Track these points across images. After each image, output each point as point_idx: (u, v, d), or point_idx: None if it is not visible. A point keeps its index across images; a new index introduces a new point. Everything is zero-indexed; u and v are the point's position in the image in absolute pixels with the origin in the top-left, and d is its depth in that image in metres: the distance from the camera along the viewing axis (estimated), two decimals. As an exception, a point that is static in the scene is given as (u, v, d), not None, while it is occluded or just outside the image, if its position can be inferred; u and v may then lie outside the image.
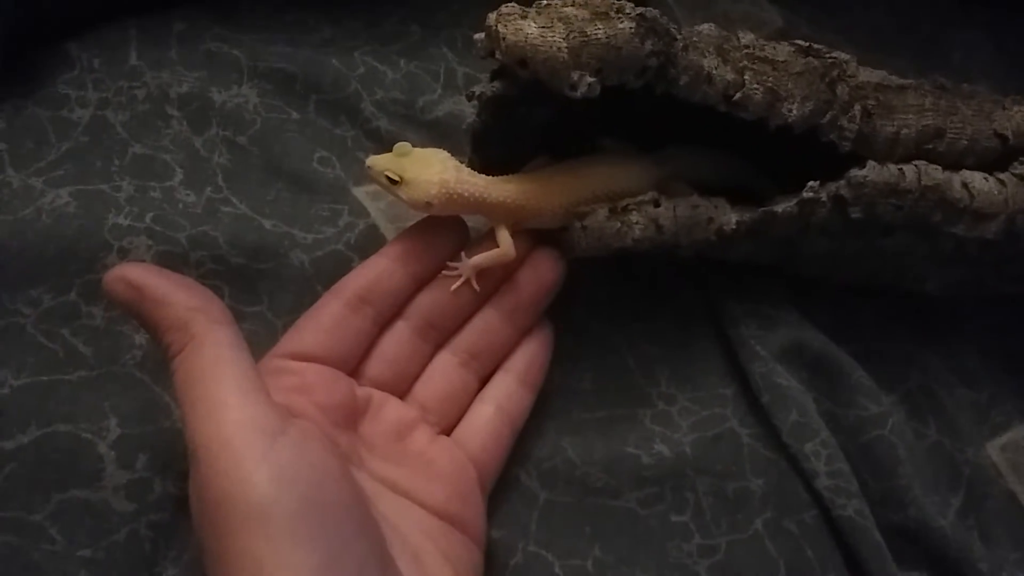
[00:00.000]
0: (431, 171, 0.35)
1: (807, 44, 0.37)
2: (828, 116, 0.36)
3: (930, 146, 0.36)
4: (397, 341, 0.35)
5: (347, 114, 0.45)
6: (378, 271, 0.35)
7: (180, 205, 0.42)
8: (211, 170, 0.43)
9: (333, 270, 0.40)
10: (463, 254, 0.36)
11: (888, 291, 0.41)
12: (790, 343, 0.39)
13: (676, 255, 0.38)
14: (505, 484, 0.36)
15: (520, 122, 0.38)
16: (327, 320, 0.34)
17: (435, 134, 0.45)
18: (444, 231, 0.36)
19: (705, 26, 0.37)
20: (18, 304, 0.38)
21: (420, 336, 0.35)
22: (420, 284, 0.36)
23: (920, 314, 0.41)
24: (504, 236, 0.36)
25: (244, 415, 0.27)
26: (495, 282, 0.36)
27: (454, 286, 0.36)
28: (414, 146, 0.36)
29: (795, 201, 0.35)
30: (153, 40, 0.46)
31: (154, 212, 0.41)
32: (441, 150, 0.36)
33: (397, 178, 0.35)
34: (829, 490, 0.36)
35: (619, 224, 0.35)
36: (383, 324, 0.35)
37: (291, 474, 0.26)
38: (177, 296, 0.29)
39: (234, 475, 0.26)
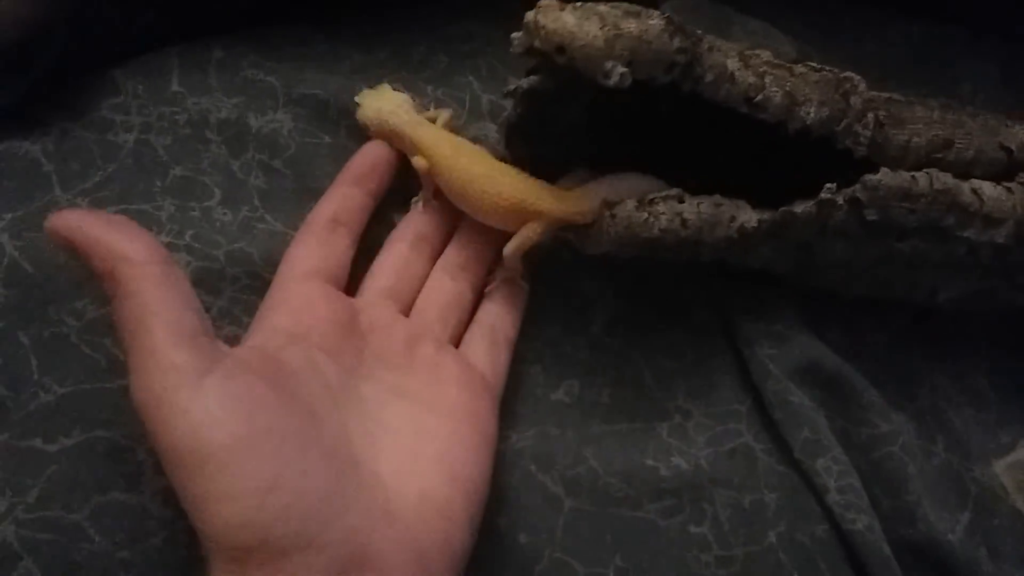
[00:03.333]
0: (379, 102, 0.43)
1: (817, 64, 0.39)
2: (843, 123, 0.37)
3: (939, 155, 0.38)
4: (394, 254, 0.39)
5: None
6: (339, 196, 0.40)
7: (218, 223, 0.44)
8: (247, 191, 0.45)
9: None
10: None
11: (900, 308, 0.43)
12: (803, 362, 0.40)
13: (696, 258, 0.39)
14: (531, 490, 0.38)
15: (552, 120, 0.40)
16: (313, 242, 0.38)
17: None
18: (382, 153, 0.41)
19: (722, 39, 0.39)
20: (63, 315, 0.40)
21: (414, 251, 0.39)
22: (376, 200, 0.41)
23: (930, 334, 0.43)
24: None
25: (168, 362, 0.28)
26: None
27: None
28: None
29: (814, 202, 0.37)
30: (194, 67, 0.49)
31: (193, 230, 0.43)
32: (405, 95, 0.44)
33: (358, 101, 0.43)
34: (839, 505, 0.38)
35: (646, 215, 0.37)
36: (357, 242, 0.39)
37: (218, 413, 0.27)
38: (101, 244, 0.29)
39: (167, 425, 0.27)
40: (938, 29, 0.54)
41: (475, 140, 0.43)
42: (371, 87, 0.48)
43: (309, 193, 0.45)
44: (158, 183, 0.45)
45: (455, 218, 0.41)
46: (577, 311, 0.42)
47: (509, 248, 0.38)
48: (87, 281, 0.40)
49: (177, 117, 0.47)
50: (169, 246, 0.43)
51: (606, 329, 0.42)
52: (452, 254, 0.40)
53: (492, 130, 0.48)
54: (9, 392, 0.37)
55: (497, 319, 0.39)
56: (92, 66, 0.48)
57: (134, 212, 0.43)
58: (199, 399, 0.27)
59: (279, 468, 0.27)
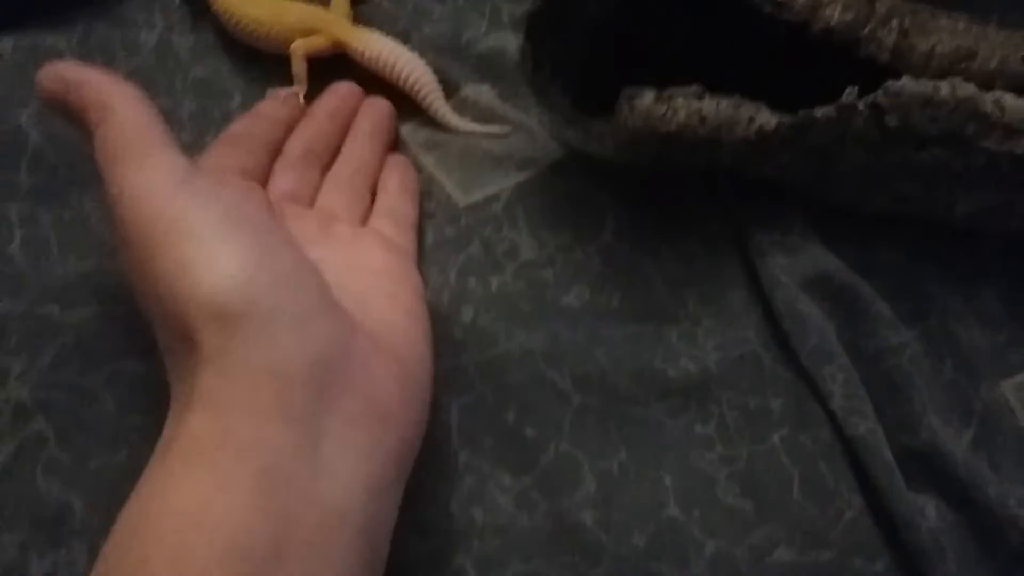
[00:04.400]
0: None
1: None
2: (867, 28, 0.37)
3: (962, 65, 0.38)
4: (288, 163, 0.41)
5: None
6: (233, 126, 0.42)
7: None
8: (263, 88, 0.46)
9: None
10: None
11: (916, 228, 0.42)
12: (814, 273, 0.40)
13: (713, 163, 0.39)
14: (540, 387, 0.38)
15: (575, 14, 0.40)
16: (215, 154, 0.39)
17: (479, 67, 0.47)
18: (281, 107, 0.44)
19: None
20: (84, 200, 0.41)
21: (305, 161, 0.41)
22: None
23: (945, 254, 0.42)
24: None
25: (163, 159, 0.28)
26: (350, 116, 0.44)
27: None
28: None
29: (834, 106, 0.37)
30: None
31: (215, 130, 0.44)
32: None
33: None
34: (843, 410, 0.38)
35: (665, 108, 0.37)
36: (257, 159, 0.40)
37: (213, 194, 0.28)
38: (95, 76, 0.30)
39: (156, 198, 0.27)
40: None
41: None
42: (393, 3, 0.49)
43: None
44: (179, 82, 0.46)
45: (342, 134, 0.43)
46: (589, 218, 0.42)
47: (295, 45, 0.44)
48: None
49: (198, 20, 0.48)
50: (189, 146, 0.43)
51: (617, 236, 0.42)
52: (343, 164, 0.42)
53: (511, 40, 0.47)
54: (29, 265, 0.38)
55: (396, 203, 0.41)
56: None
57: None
58: (195, 182, 0.28)
59: (270, 252, 0.28)
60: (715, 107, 0.38)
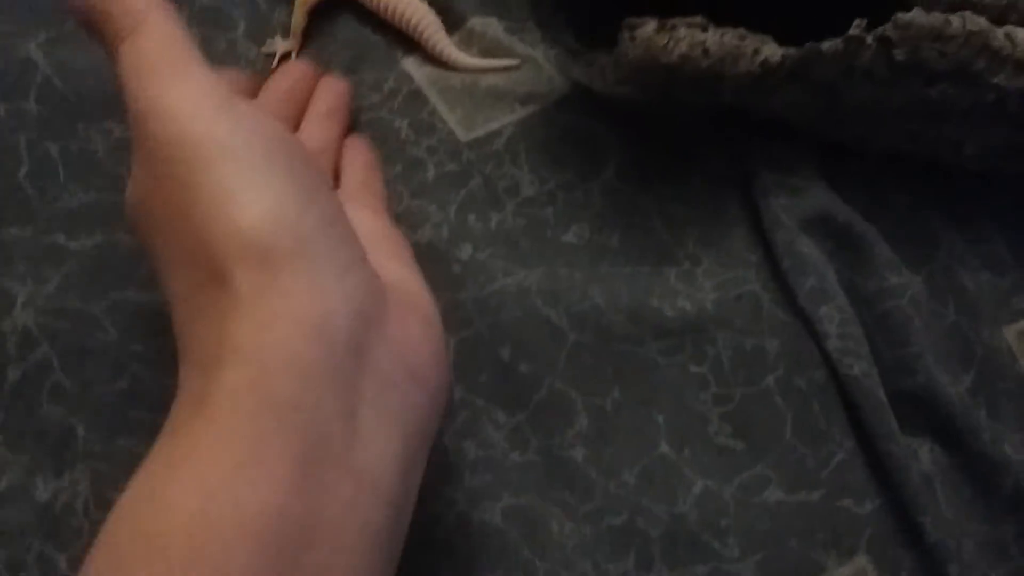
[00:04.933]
0: None
1: None
2: None
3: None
4: None
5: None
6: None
7: (242, 60, 0.44)
8: (271, 28, 0.45)
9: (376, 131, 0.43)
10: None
11: (923, 170, 0.42)
12: (817, 214, 0.40)
13: (717, 97, 0.38)
14: (536, 324, 0.38)
15: None
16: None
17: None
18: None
19: None
20: (92, 132, 0.41)
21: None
22: None
23: (952, 197, 0.42)
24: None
25: (202, 77, 0.26)
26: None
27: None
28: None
29: (841, 39, 0.36)
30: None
31: (217, 64, 0.44)
32: None
33: None
34: (838, 351, 0.38)
35: (667, 38, 0.36)
36: None
37: (258, 121, 0.26)
38: None
39: (197, 118, 0.25)
40: None
41: None
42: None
43: (332, 38, 0.45)
44: (185, 12, 0.46)
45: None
46: (590, 156, 0.42)
47: None
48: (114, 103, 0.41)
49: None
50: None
51: (619, 174, 0.42)
52: (315, 106, 0.42)
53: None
54: (35, 192, 0.38)
55: (365, 176, 0.40)
56: None
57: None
58: (235, 108, 0.26)
59: (317, 186, 0.26)
60: (719, 38, 0.37)
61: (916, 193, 0.42)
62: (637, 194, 0.42)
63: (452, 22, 0.45)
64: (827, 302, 0.38)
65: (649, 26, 0.36)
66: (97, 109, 0.42)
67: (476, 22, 0.46)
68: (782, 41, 0.38)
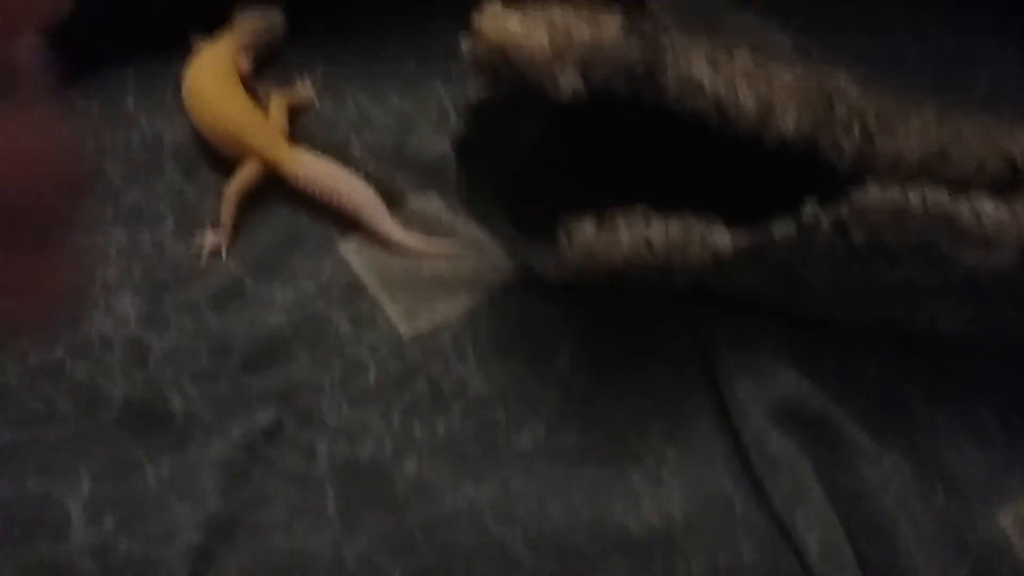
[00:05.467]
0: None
1: (798, 58, 0.36)
2: (826, 133, 0.34)
3: (934, 168, 0.34)
4: None
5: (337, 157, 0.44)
6: None
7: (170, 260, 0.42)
8: (200, 219, 0.43)
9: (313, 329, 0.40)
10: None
11: (898, 337, 0.39)
12: (785, 401, 0.37)
13: (668, 284, 0.36)
14: (489, 550, 0.35)
15: (506, 137, 0.37)
16: None
17: (426, 175, 0.44)
18: None
19: (695, 39, 0.36)
20: (5, 362, 0.39)
21: None
22: None
23: (931, 367, 0.39)
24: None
25: None
26: None
27: None
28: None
29: (794, 225, 0.34)
30: (150, 84, 0.47)
31: (142, 264, 0.41)
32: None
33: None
34: (821, 567, 0.35)
35: (608, 238, 0.34)
36: None
37: None
38: None
39: None
40: (954, 20, 0.49)
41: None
42: (334, 97, 0.46)
43: (263, 223, 0.43)
44: (110, 211, 0.43)
45: None
46: (541, 346, 0.40)
47: (227, 185, 0.42)
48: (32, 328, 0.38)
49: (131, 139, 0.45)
50: (117, 286, 0.41)
51: (573, 365, 0.39)
52: None
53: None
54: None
55: None
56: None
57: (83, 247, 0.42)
58: None
59: None
60: (663, 231, 0.34)
61: (890, 364, 0.39)
62: (594, 385, 0.39)
63: (391, 203, 0.43)
64: (805, 505, 0.35)
65: (587, 228, 0.34)
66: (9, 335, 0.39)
67: (416, 201, 0.44)
68: (729, 207, 0.35)
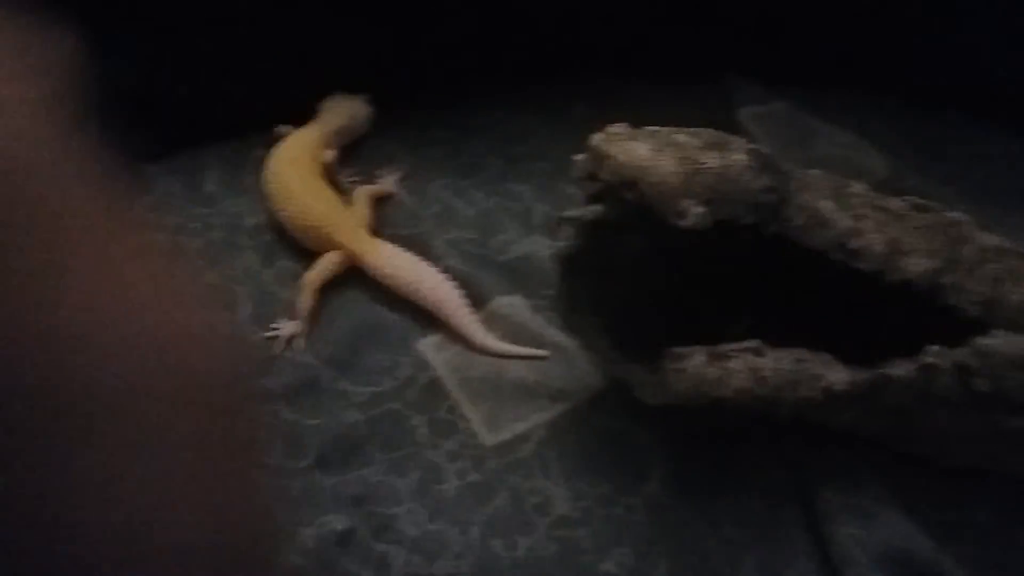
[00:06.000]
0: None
1: (921, 201, 0.35)
2: (952, 278, 0.32)
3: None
4: None
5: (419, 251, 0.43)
6: None
7: (244, 346, 0.40)
8: (278, 305, 0.42)
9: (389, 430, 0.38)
10: None
11: (1009, 479, 0.37)
12: (892, 547, 0.35)
13: (772, 417, 0.35)
14: None
15: (614, 253, 0.36)
16: None
17: (510, 276, 0.43)
18: None
19: (815, 171, 0.35)
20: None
21: None
22: None
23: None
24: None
25: None
26: None
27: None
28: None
29: (915, 365, 0.32)
30: (232, 167, 0.46)
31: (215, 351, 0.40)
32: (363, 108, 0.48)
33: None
34: None
35: (719, 371, 0.32)
36: None
37: None
38: None
39: None
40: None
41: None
42: (418, 191, 0.45)
43: (345, 313, 0.42)
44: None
45: None
46: (631, 465, 0.38)
47: (306, 275, 0.41)
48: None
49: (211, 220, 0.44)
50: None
51: (665, 486, 0.37)
52: None
53: (544, 244, 0.44)
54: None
55: None
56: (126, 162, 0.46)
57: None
58: None
59: None
60: (776, 364, 0.33)
61: (1005, 507, 0.37)
62: (685, 511, 0.37)
63: (474, 303, 0.42)
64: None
65: (698, 358, 0.32)
66: None
67: (500, 302, 0.42)
68: (841, 340, 0.34)
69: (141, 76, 0.45)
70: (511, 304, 0.42)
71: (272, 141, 0.46)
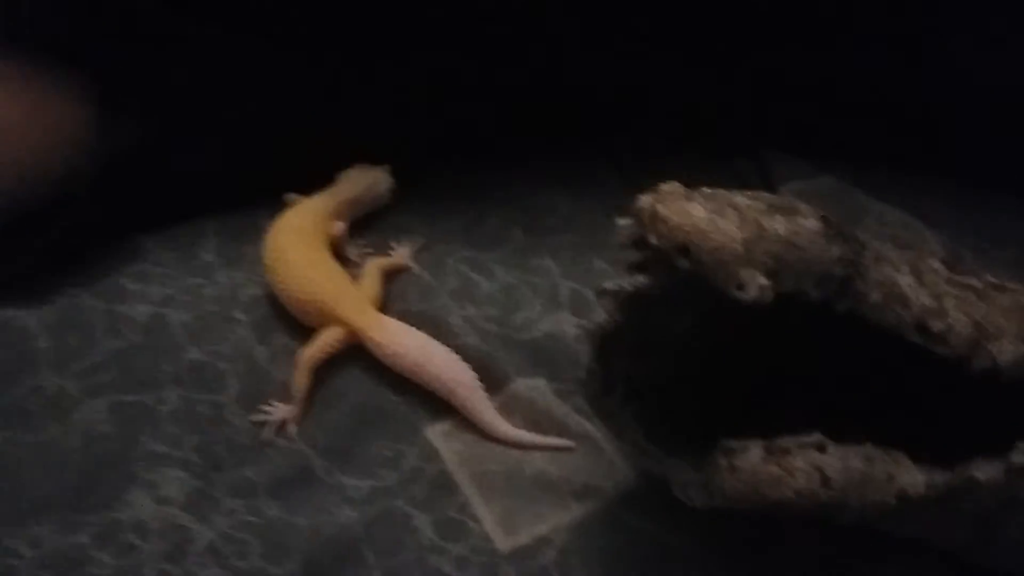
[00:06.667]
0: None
1: (994, 280, 0.31)
2: None
3: None
4: None
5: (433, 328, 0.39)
6: None
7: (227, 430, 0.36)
8: (271, 386, 0.38)
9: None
10: None
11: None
12: None
13: (831, 524, 0.30)
14: None
15: (657, 330, 0.32)
16: None
17: (533, 357, 0.39)
18: None
19: (888, 244, 0.32)
20: (18, 544, 0.32)
21: None
22: None
23: None
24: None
25: None
26: None
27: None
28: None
29: (1004, 466, 0.28)
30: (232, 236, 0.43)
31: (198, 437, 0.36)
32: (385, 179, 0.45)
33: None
34: None
35: (779, 470, 0.28)
36: None
37: None
38: None
39: None
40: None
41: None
42: (434, 265, 0.42)
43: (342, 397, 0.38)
44: (168, 368, 0.38)
45: None
46: (664, 573, 0.33)
47: (303, 351, 0.37)
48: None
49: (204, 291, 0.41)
50: (164, 456, 0.35)
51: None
52: None
53: (571, 323, 0.40)
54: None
55: None
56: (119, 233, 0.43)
57: (128, 404, 0.36)
58: None
59: None
60: (842, 464, 0.28)
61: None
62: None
63: (492, 384, 0.38)
64: None
65: (754, 453, 0.28)
66: (27, 511, 0.34)
67: (521, 385, 0.38)
68: (917, 439, 0.29)
69: (147, 142, 0.42)
70: (533, 388, 0.38)
71: (279, 210, 0.43)
